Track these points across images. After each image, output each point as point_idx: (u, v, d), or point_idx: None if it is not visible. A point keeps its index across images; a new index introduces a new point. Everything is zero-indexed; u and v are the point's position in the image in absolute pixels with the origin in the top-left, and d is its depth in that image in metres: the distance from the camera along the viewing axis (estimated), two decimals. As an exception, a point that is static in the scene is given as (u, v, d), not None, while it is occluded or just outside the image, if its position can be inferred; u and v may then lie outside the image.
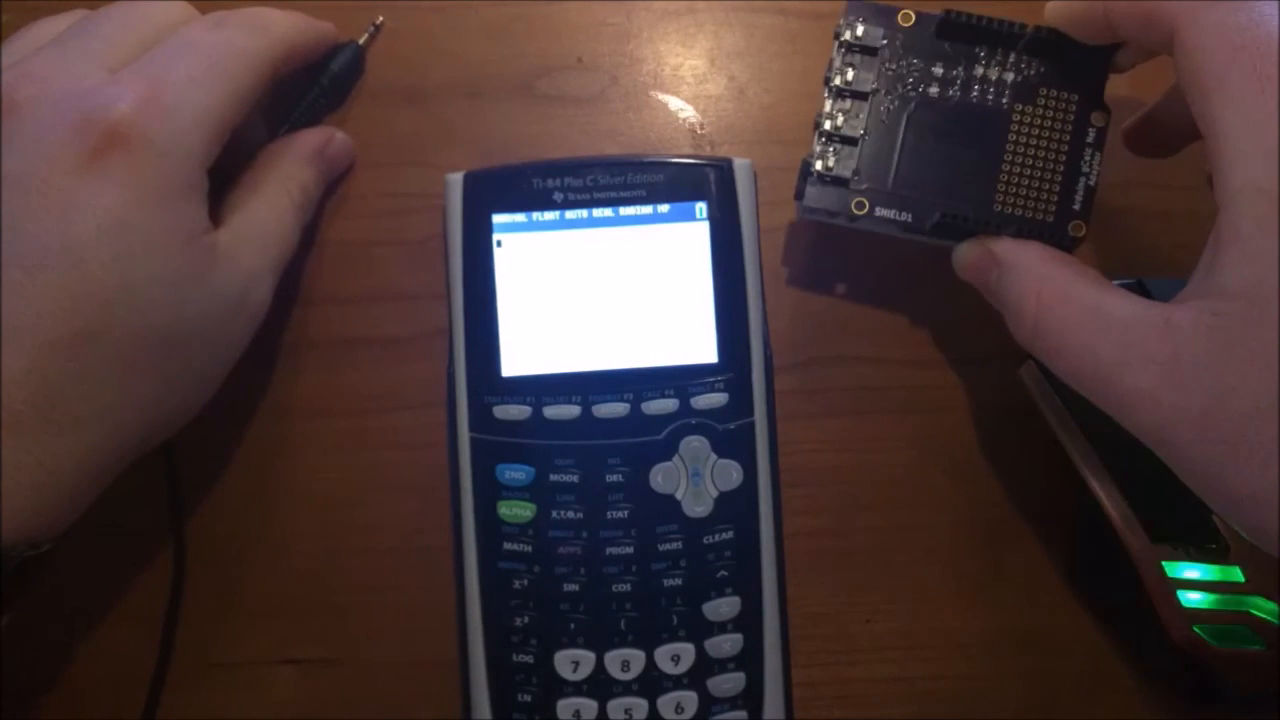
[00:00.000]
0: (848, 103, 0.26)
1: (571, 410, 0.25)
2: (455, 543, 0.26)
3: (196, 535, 0.28)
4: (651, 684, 0.25)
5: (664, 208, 0.26)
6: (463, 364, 0.26)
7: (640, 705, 0.25)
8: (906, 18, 0.26)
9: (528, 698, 0.25)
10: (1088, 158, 0.25)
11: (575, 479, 0.25)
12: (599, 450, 0.25)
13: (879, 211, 0.26)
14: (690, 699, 0.25)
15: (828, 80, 0.26)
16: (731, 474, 0.25)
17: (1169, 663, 0.26)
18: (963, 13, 0.26)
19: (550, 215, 0.26)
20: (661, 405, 0.25)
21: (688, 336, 0.26)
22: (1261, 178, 0.19)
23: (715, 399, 0.26)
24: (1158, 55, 0.25)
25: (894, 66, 0.26)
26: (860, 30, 0.26)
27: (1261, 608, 0.25)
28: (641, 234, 0.26)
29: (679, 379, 0.26)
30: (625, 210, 0.26)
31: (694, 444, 0.25)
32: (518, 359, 0.26)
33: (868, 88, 0.26)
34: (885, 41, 0.26)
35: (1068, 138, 0.25)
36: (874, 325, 0.30)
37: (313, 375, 0.29)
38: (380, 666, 0.28)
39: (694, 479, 0.25)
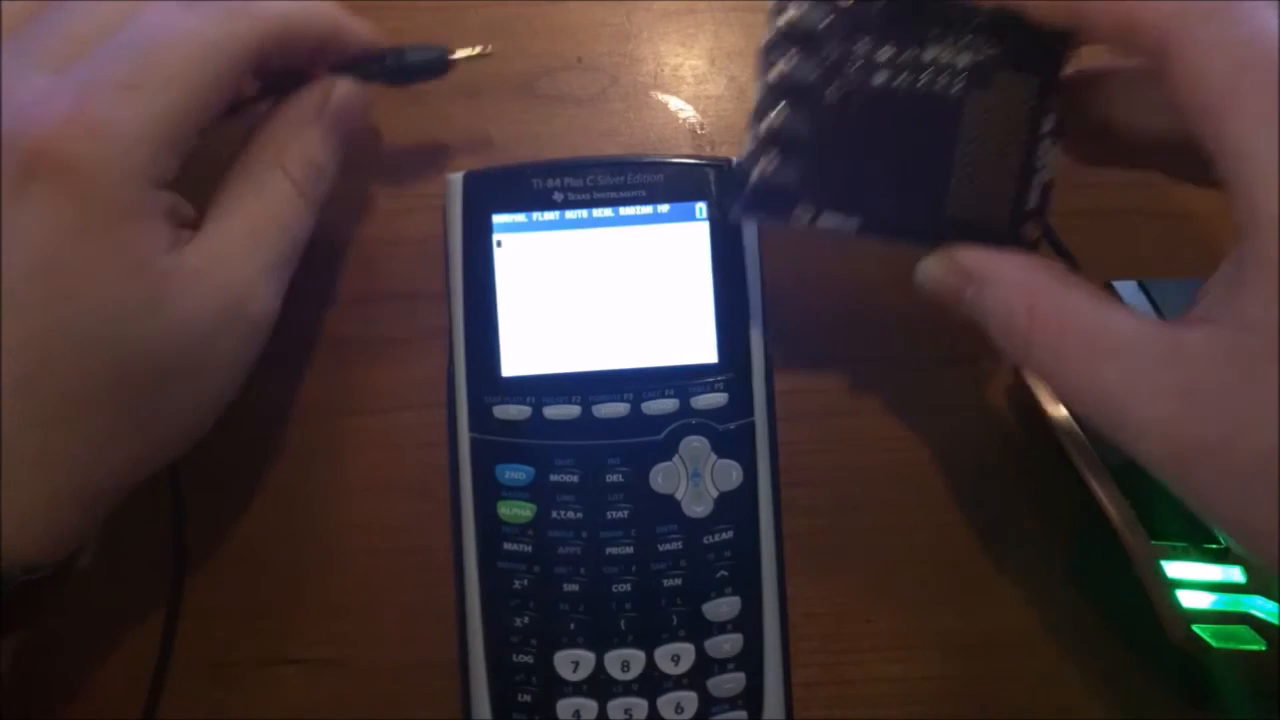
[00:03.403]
0: (786, 98, 0.23)
1: (571, 410, 0.25)
2: (455, 543, 0.26)
3: (197, 535, 0.28)
4: (651, 684, 0.25)
5: (664, 208, 0.26)
6: (463, 364, 0.26)
7: (640, 705, 0.25)
8: None
9: (528, 698, 0.25)
10: (1044, 150, 0.23)
11: (575, 479, 0.25)
12: (599, 450, 0.25)
13: (824, 219, 0.24)
14: (690, 699, 0.25)
15: (765, 71, 0.24)
16: (731, 474, 0.25)
17: (1169, 663, 0.26)
18: None
19: (550, 215, 0.26)
20: (661, 405, 0.25)
21: (688, 336, 0.26)
22: None
23: (715, 399, 0.26)
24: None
25: (837, 53, 0.23)
26: (797, 12, 0.23)
27: (1261, 608, 0.25)
28: (641, 234, 0.26)
29: (679, 379, 0.26)
30: (625, 210, 0.26)
31: (694, 444, 0.25)
32: (518, 359, 0.26)
33: (809, 78, 0.23)
34: (826, 22, 0.23)
35: (1024, 128, 0.23)
36: (874, 325, 0.30)
37: (313, 375, 0.29)
38: (380, 667, 0.28)
39: (694, 479, 0.25)
